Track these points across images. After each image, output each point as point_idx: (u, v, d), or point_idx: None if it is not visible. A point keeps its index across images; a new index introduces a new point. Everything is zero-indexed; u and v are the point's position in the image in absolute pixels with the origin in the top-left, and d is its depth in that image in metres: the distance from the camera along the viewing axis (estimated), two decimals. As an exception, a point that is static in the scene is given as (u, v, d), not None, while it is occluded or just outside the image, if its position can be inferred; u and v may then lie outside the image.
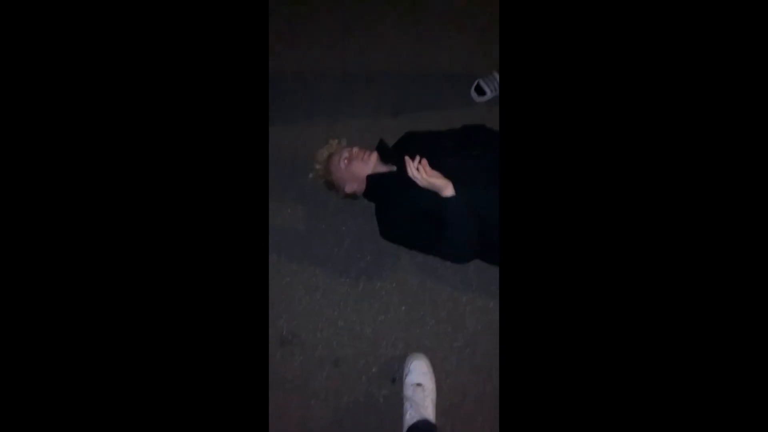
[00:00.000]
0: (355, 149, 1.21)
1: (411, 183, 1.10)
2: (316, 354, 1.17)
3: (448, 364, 1.16)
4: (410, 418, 1.03)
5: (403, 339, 1.19)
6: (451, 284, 1.26)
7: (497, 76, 1.55)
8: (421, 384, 1.08)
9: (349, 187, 1.22)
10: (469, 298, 1.24)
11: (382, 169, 1.21)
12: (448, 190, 1.06)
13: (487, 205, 1.12)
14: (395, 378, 1.14)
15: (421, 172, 1.03)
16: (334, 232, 1.33)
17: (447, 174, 1.11)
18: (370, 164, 1.18)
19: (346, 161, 1.19)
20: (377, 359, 1.16)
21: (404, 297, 1.25)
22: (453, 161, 1.17)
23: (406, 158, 1.04)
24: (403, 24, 1.75)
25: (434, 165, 1.12)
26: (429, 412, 1.05)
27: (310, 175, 1.28)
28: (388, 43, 1.70)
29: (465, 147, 1.23)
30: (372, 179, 1.19)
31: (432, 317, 1.22)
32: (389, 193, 1.18)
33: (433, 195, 1.08)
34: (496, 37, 1.77)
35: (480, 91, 1.56)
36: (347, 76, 1.62)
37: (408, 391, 1.08)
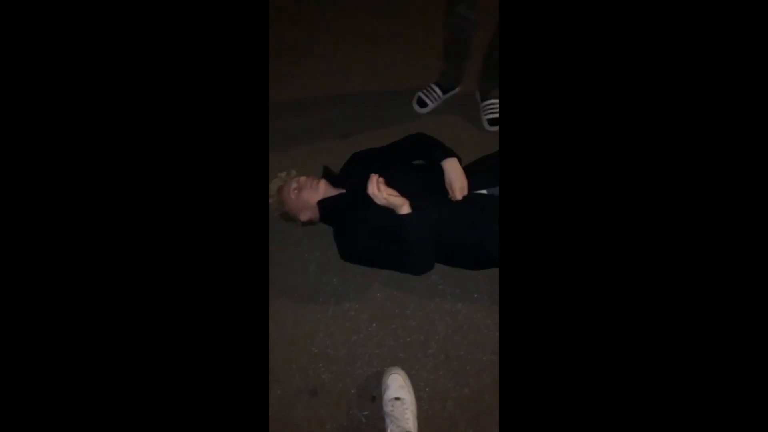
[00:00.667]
0: (303, 178, 1.24)
1: (364, 202, 1.13)
2: (293, 386, 1.17)
3: (424, 373, 1.17)
4: (392, 433, 1.04)
5: (378, 355, 1.20)
6: (417, 293, 1.28)
7: (435, 87, 1.62)
8: (399, 398, 1.08)
9: (304, 216, 1.24)
10: (437, 303, 1.27)
11: (333, 192, 1.24)
12: (404, 207, 1.10)
13: (438, 212, 1.16)
14: (374, 396, 1.14)
15: (382, 191, 1.07)
16: (297, 261, 1.35)
17: (397, 187, 1.15)
18: (319, 191, 1.22)
19: (295, 192, 1.23)
20: (355, 381, 1.17)
21: (373, 313, 1.26)
22: (401, 174, 1.21)
23: (372, 176, 1.08)
24: (344, 49, 1.82)
25: (389, 179, 1.15)
26: (410, 425, 1.05)
27: (265, 210, 1.31)
28: (331, 70, 1.76)
29: (407, 157, 1.28)
30: (323, 204, 1.22)
31: (403, 329, 1.24)
32: (344, 215, 1.21)
33: (387, 212, 1.11)
34: (430, 52, 1.85)
35: (422, 104, 1.63)
36: (296, 104, 1.67)
37: (387, 407, 1.08)
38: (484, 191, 1.23)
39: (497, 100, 1.56)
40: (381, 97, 1.69)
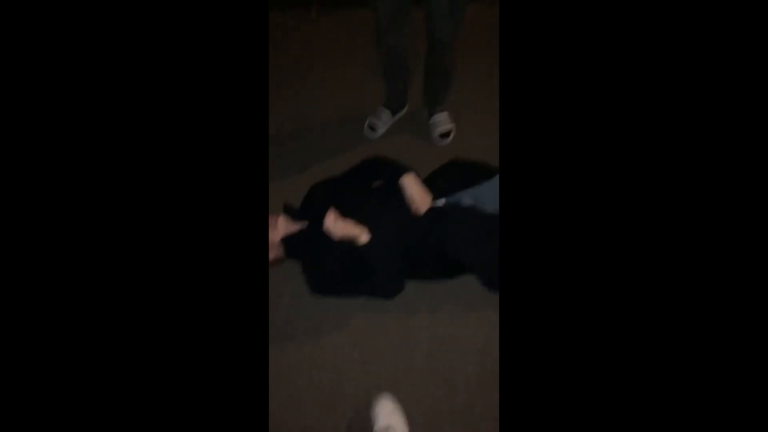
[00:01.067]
0: (262, 218, 1.24)
1: (326, 234, 1.14)
2: (283, 429, 1.13)
3: (413, 392, 1.15)
4: (388, 463, 1.01)
5: (364, 385, 1.17)
6: (395, 311, 1.28)
7: (384, 110, 1.67)
8: (389, 426, 1.06)
9: (270, 255, 1.24)
10: (415, 320, 1.26)
11: (295, 228, 1.25)
12: (362, 237, 1.12)
13: (401, 230, 1.18)
14: (367, 428, 1.11)
15: (337, 226, 1.09)
16: (269, 302, 1.33)
17: (358, 213, 1.17)
18: (279, 228, 1.22)
19: (257, 232, 1.22)
20: (344, 416, 1.14)
21: (354, 341, 1.24)
22: (360, 199, 1.24)
23: (328, 212, 1.09)
24: (289, 84, 1.87)
25: (344, 210, 1.18)
26: (405, 450, 1.03)
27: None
28: (280, 105, 1.80)
29: (367, 181, 1.30)
30: (287, 242, 1.22)
31: (386, 351, 1.22)
32: (308, 249, 1.21)
33: (349, 242, 1.12)
34: (376, 77, 1.89)
35: (373, 128, 1.67)
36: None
37: (380, 436, 1.06)
38: (443, 201, 1.26)
39: (444, 113, 1.63)
40: (334, 126, 1.74)
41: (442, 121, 1.62)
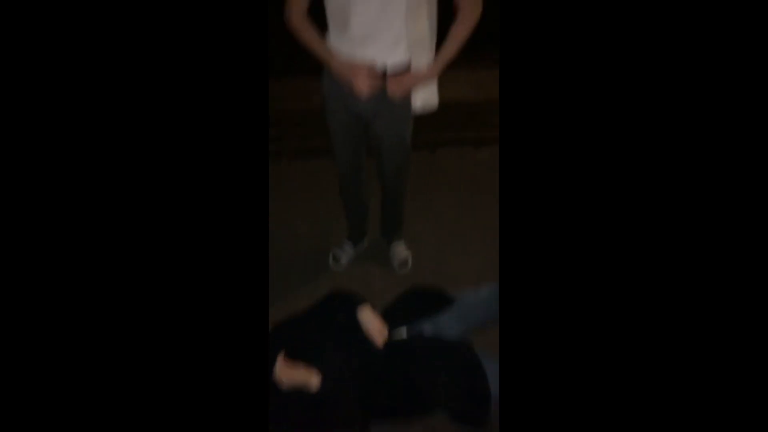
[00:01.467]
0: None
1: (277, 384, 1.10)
2: None
3: None
4: None
5: None
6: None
7: (346, 242, 1.81)
8: None
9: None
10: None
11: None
12: (312, 381, 1.10)
13: (365, 367, 1.17)
14: None
15: (283, 374, 1.06)
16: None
17: (316, 355, 1.15)
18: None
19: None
20: None
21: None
22: (318, 340, 1.23)
23: (278, 360, 1.07)
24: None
25: (297, 353, 1.16)
26: None
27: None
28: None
29: (327, 319, 1.32)
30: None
31: None
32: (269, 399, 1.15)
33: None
34: (336, 217, 2.06)
35: (336, 258, 1.78)
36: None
37: None
38: (404, 330, 1.28)
39: (401, 243, 1.79)
40: (301, 257, 1.83)
41: (400, 251, 1.77)
